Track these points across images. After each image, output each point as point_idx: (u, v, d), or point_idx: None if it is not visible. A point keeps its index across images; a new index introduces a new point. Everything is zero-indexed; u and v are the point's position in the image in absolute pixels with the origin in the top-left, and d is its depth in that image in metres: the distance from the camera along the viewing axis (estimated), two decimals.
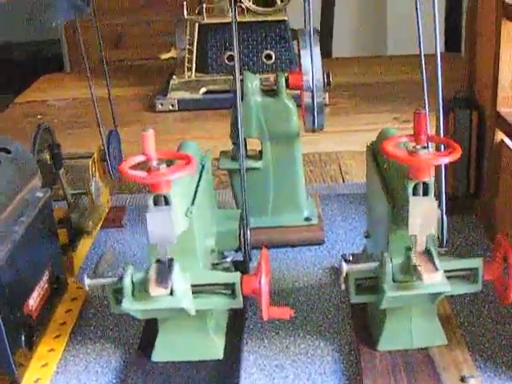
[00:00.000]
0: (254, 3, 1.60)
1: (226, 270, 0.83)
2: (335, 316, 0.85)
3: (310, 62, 0.91)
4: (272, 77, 0.99)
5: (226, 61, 1.65)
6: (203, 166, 0.84)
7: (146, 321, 0.82)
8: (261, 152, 1.00)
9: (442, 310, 0.81)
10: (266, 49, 1.63)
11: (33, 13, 0.83)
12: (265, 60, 1.63)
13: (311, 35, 0.91)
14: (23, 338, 0.76)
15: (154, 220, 0.67)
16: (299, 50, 0.93)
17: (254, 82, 0.97)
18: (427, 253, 0.69)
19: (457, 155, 0.65)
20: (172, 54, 1.56)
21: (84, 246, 0.98)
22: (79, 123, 1.50)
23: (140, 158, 0.68)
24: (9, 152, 0.83)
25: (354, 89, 1.54)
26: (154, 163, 0.66)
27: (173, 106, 1.63)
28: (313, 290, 0.90)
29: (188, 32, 1.62)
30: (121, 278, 0.70)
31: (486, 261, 0.72)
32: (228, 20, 1.63)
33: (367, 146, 0.83)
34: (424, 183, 0.67)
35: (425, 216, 0.66)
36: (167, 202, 0.67)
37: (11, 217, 0.78)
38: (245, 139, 1.00)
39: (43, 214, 0.83)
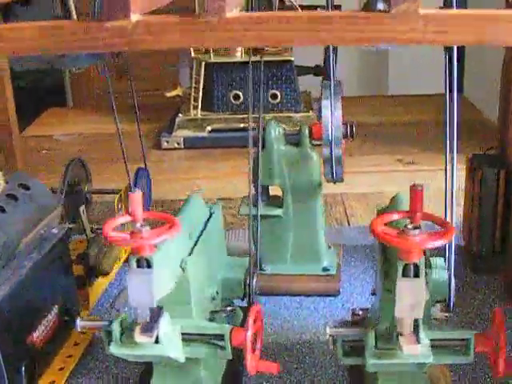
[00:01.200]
0: None
1: (229, 317, 0.84)
2: (334, 372, 0.85)
3: (330, 114, 0.92)
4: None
5: (232, 100, 1.67)
6: (211, 215, 0.85)
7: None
8: (282, 199, 1.01)
9: (441, 374, 0.80)
10: (272, 88, 1.63)
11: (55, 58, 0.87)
12: (270, 99, 1.64)
13: (331, 87, 0.91)
14: (23, 369, 0.79)
15: (135, 283, 0.68)
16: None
17: (277, 130, 0.99)
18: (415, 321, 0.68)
19: (449, 237, 0.64)
20: (178, 91, 1.58)
21: (102, 282, 1.01)
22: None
23: (125, 219, 0.69)
24: (28, 188, 0.87)
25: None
26: (138, 225, 0.67)
27: (178, 143, 1.64)
28: (318, 344, 0.90)
29: (194, 70, 1.64)
30: (111, 322, 0.72)
31: (480, 332, 0.71)
32: (235, 59, 1.65)
33: (377, 211, 0.82)
34: (414, 264, 0.65)
35: (413, 298, 0.65)
36: (149, 265, 0.68)
37: (23, 252, 0.82)
38: (267, 186, 1.02)
39: (57, 249, 0.86)
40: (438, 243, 0.64)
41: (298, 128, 0.99)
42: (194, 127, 1.66)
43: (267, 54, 1.60)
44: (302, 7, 1.52)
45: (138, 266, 0.68)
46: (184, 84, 1.66)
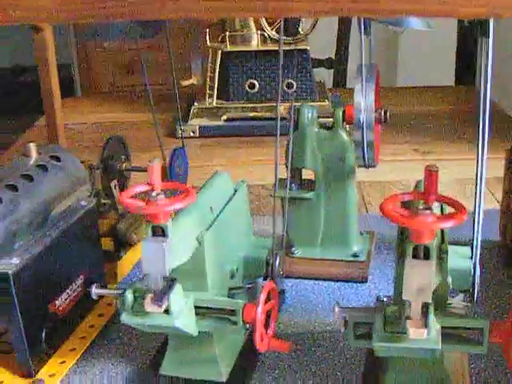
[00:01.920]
0: (277, 32, 1.59)
1: (248, 295, 0.85)
2: (353, 357, 0.84)
3: (363, 97, 0.91)
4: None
5: (248, 88, 1.65)
6: (235, 192, 0.86)
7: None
8: (314, 183, 1.01)
9: (460, 365, 0.78)
10: (288, 77, 1.62)
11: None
12: (286, 88, 1.62)
13: (363, 70, 0.90)
14: (44, 335, 0.81)
15: (149, 250, 0.69)
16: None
17: (310, 113, 0.98)
18: (425, 306, 0.67)
19: (461, 219, 0.62)
20: (193, 80, 1.58)
21: (132, 256, 1.03)
22: None
23: (143, 188, 0.70)
24: (59, 160, 0.89)
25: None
26: (154, 193, 0.68)
27: (194, 132, 1.64)
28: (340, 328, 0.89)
29: (210, 59, 1.64)
30: (124, 291, 0.73)
31: (496, 322, 0.69)
32: (251, 48, 1.65)
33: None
34: (425, 247, 0.64)
35: (421, 281, 0.64)
36: (164, 234, 0.69)
37: (50, 221, 0.84)
38: (300, 169, 1.01)
39: (85, 221, 0.88)
40: (448, 224, 0.62)
41: (331, 111, 0.98)
42: (210, 116, 1.65)
43: (283, 43, 1.60)
44: None
45: (154, 235, 0.69)
46: (197, 72, 1.66)
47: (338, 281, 1.00)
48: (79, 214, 0.87)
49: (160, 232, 0.69)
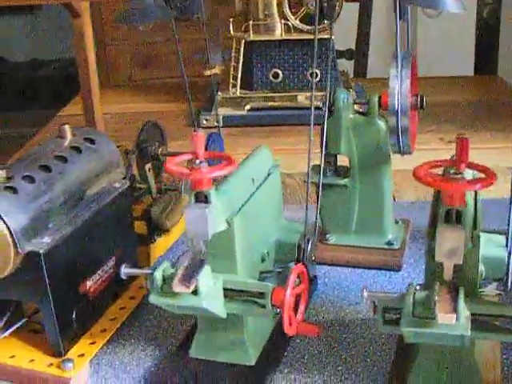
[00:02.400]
0: (300, 21, 1.57)
1: (279, 279, 0.84)
2: (384, 344, 0.83)
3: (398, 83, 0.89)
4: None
5: (272, 78, 1.64)
6: (269, 175, 0.85)
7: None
8: (349, 169, 0.99)
9: (491, 356, 0.77)
10: (312, 67, 1.60)
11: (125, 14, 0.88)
12: (310, 78, 1.61)
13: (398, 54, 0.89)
14: (74, 315, 0.81)
15: (192, 215, 0.70)
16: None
17: (345, 98, 0.97)
18: (455, 290, 0.66)
19: (490, 183, 0.63)
20: (216, 70, 1.57)
21: (165, 241, 1.03)
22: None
23: (187, 157, 0.72)
24: (93, 142, 0.89)
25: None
26: (197, 161, 0.70)
27: (217, 122, 1.60)
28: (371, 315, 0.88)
29: (234, 49, 1.62)
30: (153, 271, 0.73)
31: None
32: (274, 38, 1.63)
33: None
34: (457, 210, 0.65)
35: (453, 244, 0.64)
36: (207, 200, 0.70)
37: (83, 202, 0.84)
38: (335, 155, 1.00)
39: (118, 203, 0.88)
40: (478, 186, 0.63)
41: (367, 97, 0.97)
42: (233, 105, 1.64)
43: (306, 33, 1.59)
44: None
45: (197, 201, 0.71)
46: (216, 62, 1.66)
47: (371, 268, 0.99)
48: (112, 196, 0.88)
49: (203, 198, 0.70)
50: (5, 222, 0.74)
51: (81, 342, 0.83)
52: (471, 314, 0.66)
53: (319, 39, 1.59)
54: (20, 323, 0.84)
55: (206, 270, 0.71)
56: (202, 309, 0.71)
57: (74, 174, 0.84)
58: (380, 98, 0.95)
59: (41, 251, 0.75)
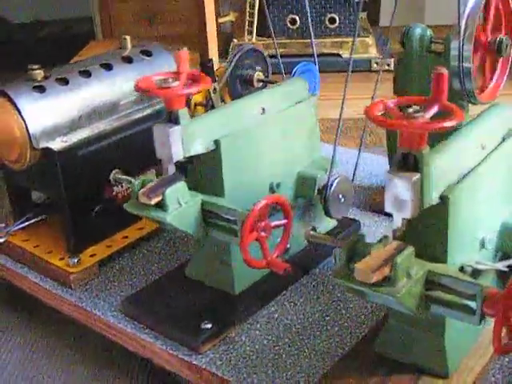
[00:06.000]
0: None
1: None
2: None
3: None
4: None
5: (289, 24, 1.53)
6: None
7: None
8: None
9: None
10: (330, 12, 1.49)
11: None
12: (328, 24, 1.51)
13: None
14: (93, 215, 0.85)
15: (157, 134, 0.69)
16: None
17: (423, 35, 0.88)
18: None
19: (454, 123, 0.53)
20: (230, 17, 1.45)
21: None
22: None
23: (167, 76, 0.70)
24: (149, 55, 0.90)
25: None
26: (170, 80, 0.68)
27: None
28: None
29: None
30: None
31: (491, 290, 0.55)
32: None
33: None
34: (414, 156, 0.55)
35: (401, 194, 0.56)
36: (177, 121, 0.69)
37: (116, 111, 0.87)
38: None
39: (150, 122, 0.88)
40: (438, 126, 0.53)
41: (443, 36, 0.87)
42: None
43: None
44: None
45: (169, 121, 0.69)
46: (227, 9, 1.57)
47: None
48: (146, 113, 0.89)
49: (174, 118, 0.69)
50: (23, 118, 0.78)
51: (99, 244, 0.86)
52: (426, 285, 0.58)
53: None
54: (40, 217, 0.89)
55: (178, 188, 0.70)
56: (168, 224, 0.70)
57: (114, 82, 0.86)
58: None
59: (55, 149, 0.79)
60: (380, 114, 0.57)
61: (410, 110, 0.56)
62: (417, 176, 0.55)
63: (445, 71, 0.55)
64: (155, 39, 2.08)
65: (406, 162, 0.56)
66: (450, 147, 0.60)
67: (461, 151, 0.61)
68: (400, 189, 0.56)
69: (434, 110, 0.56)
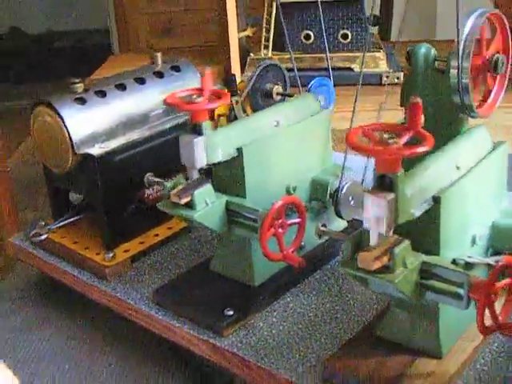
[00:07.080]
0: None
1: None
2: None
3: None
4: None
5: (303, 39, 1.60)
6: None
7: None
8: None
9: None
10: (343, 28, 1.56)
11: None
12: (341, 39, 1.57)
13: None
14: (126, 215, 0.94)
15: (182, 144, 0.78)
16: None
17: (428, 54, 0.96)
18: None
19: (425, 149, 0.60)
20: (248, 32, 1.52)
21: None
22: None
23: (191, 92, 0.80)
24: (178, 70, 1.00)
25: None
26: (194, 96, 0.78)
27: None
28: None
29: (265, 11, 1.59)
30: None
31: (478, 278, 0.63)
32: None
33: None
34: (389, 178, 0.62)
35: (376, 213, 0.62)
36: (200, 132, 0.78)
37: (149, 122, 0.96)
38: None
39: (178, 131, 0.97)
40: (409, 153, 0.59)
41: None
42: None
43: None
44: None
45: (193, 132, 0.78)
46: (242, 26, 1.65)
47: None
48: (175, 123, 0.98)
49: (198, 130, 0.78)
50: (66, 127, 0.88)
51: (132, 241, 0.95)
52: (420, 274, 0.66)
53: (350, 1, 1.60)
54: (77, 217, 0.99)
55: (206, 189, 0.79)
56: (196, 222, 0.79)
57: (146, 95, 0.95)
58: None
59: (95, 154, 0.88)
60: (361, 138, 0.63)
61: (386, 135, 0.62)
62: (391, 196, 0.62)
63: (419, 101, 0.62)
64: (172, 51, 2.21)
65: (383, 183, 0.63)
66: (426, 168, 0.67)
67: (436, 172, 0.68)
68: (376, 207, 0.63)
69: (408, 136, 0.62)
